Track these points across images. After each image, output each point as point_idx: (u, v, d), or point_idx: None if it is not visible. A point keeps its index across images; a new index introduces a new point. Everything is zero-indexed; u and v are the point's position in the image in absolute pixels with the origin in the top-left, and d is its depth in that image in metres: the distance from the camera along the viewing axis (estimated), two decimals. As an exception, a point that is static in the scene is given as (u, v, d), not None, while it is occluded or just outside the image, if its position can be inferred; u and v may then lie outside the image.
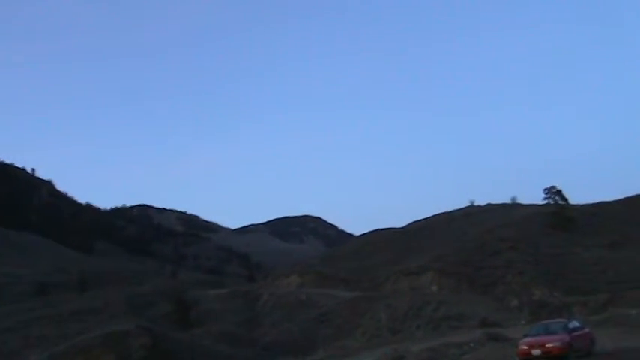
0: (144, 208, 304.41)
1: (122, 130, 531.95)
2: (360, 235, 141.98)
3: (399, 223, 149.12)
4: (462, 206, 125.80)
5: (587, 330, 23.78)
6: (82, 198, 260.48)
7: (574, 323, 24.01)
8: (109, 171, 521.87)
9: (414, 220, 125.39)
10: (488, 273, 78.67)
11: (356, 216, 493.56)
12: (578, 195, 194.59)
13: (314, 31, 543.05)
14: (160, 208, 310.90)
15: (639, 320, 35.01)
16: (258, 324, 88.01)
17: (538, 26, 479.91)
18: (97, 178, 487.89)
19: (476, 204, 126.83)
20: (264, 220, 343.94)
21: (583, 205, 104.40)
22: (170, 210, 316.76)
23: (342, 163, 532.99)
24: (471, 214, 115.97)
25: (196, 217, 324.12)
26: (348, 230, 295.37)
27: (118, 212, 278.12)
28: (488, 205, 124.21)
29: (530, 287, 73.07)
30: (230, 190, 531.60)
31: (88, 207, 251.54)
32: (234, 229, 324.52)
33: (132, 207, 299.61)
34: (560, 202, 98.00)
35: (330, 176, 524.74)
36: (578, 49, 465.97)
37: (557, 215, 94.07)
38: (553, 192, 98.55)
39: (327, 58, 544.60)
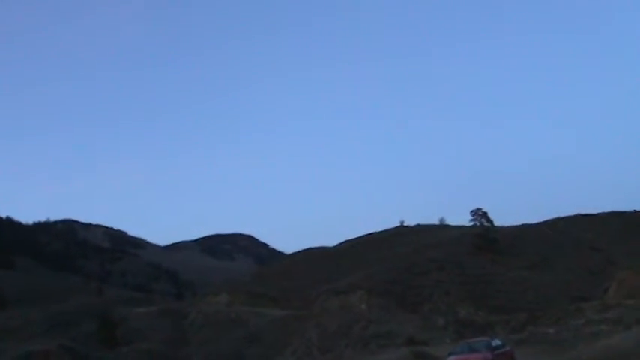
0: (69, 223, 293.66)
1: (45, 141, 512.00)
2: (292, 254, 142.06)
3: (331, 242, 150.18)
4: (393, 226, 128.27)
5: (508, 348, 24.74)
6: (1, 212, 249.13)
7: (496, 342, 24.94)
8: (31, 184, 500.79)
9: (345, 239, 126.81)
10: (416, 292, 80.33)
11: (288, 234, 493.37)
12: (504, 217, 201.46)
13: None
14: (85, 223, 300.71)
15: (557, 339, 36.61)
16: (187, 343, 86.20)
17: (474, 41, 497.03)
18: (18, 191, 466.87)
19: (406, 224, 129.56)
20: (195, 237, 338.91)
21: (507, 227, 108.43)
22: (96, 225, 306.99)
23: (275, 181, 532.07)
24: (401, 234, 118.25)
25: (124, 232, 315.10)
26: (280, 248, 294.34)
27: (42, 227, 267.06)
28: (417, 225, 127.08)
29: (455, 306, 75.11)
30: (160, 205, 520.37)
31: (9, 221, 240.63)
32: (164, 246, 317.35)
33: (56, 222, 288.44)
34: (486, 224, 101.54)
35: (262, 194, 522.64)
36: (501, 74, 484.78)
37: (483, 237, 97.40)
38: (479, 214, 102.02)
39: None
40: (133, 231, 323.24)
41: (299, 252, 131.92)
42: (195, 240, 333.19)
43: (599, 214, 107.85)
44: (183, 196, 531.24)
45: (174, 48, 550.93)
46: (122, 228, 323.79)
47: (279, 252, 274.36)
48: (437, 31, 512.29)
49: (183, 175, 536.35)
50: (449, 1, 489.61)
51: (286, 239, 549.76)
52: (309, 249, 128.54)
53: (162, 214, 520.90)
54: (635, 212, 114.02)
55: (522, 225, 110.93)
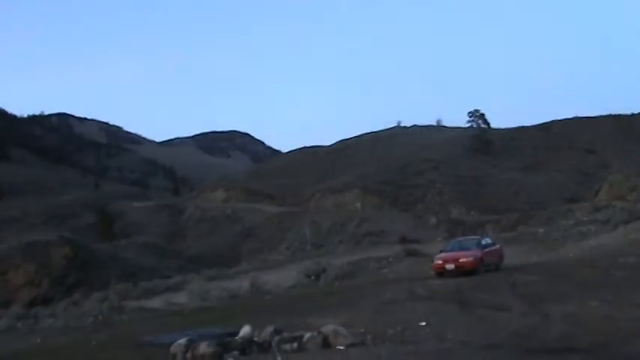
0: (64, 117, 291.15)
1: (41, 33, 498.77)
2: (288, 152, 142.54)
3: (327, 141, 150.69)
4: (390, 126, 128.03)
5: (497, 246, 25.20)
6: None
7: (486, 240, 25.38)
8: (25, 76, 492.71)
9: (342, 138, 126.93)
10: (410, 192, 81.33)
11: (284, 133, 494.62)
12: (500, 119, 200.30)
13: None
14: (81, 118, 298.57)
15: (545, 238, 37.39)
16: (183, 237, 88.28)
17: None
18: (12, 83, 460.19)
19: (403, 124, 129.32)
20: (191, 134, 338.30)
21: (503, 129, 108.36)
22: (92, 120, 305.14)
23: (272, 80, 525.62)
24: (397, 134, 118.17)
25: (119, 128, 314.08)
26: (276, 147, 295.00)
27: (36, 120, 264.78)
28: (414, 126, 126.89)
29: (448, 206, 76.37)
30: (156, 102, 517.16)
31: (2, 113, 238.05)
32: (160, 142, 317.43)
33: (51, 115, 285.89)
34: (483, 126, 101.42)
35: (259, 92, 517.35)
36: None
37: (478, 138, 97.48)
38: (476, 115, 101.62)
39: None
40: (129, 126, 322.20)
41: (295, 150, 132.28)
42: (192, 137, 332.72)
43: (595, 117, 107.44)
44: (179, 93, 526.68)
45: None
46: (118, 123, 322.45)
47: (276, 150, 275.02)
48: None
49: (180, 72, 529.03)
50: None
51: (283, 138, 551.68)
52: (306, 148, 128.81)
53: (159, 110, 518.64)
54: (632, 115, 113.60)
55: (518, 127, 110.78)
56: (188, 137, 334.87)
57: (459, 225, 62.57)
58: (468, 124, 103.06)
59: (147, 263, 62.87)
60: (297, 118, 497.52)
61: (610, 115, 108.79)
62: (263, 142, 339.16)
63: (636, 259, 18.41)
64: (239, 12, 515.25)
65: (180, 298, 26.97)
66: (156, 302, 27.42)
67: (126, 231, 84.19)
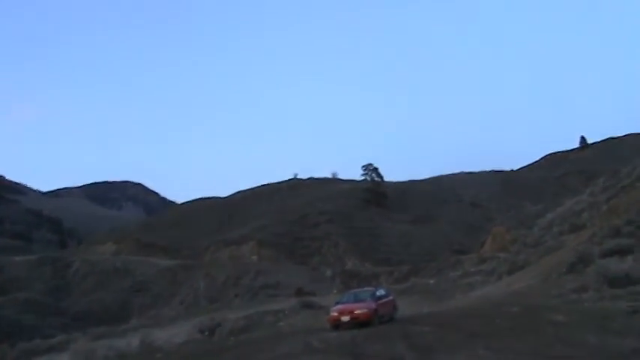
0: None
1: None
2: (183, 203, 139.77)
3: (224, 192, 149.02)
4: (286, 179, 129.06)
5: (391, 298, 25.69)
6: None
7: (380, 292, 25.83)
8: None
9: (238, 190, 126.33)
10: (306, 244, 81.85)
11: (180, 183, 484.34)
12: (393, 172, 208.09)
13: None
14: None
15: (436, 289, 38.64)
16: (69, 293, 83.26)
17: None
18: None
19: (299, 177, 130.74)
20: (81, 184, 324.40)
21: (395, 183, 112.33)
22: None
23: (167, 128, 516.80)
24: (294, 186, 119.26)
25: (1, 177, 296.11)
26: (171, 198, 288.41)
27: None
28: (310, 178, 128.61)
29: (343, 258, 77.44)
30: (42, 149, 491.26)
31: None
32: (46, 192, 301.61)
33: None
34: (376, 179, 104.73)
35: (154, 141, 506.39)
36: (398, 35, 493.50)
37: (372, 191, 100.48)
38: (370, 169, 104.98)
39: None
40: (12, 175, 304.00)
41: (191, 202, 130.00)
42: (81, 187, 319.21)
43: (479, 172, 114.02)
44: (67, 141, 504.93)
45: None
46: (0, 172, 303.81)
47: (171, 201, 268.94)
48: None
49: (69, 119, 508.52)
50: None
51: (178, 188, 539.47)
52: (201, 199, 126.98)
53: (45, 158, 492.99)
54: (512, 171, 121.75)
55: (410, 181, 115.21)
56: (77, 187, 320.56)
57: (354, 276, 63.41)
58: (362, 178, 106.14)
59: (27, 322, 58.65)
60: (193, 168, 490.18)
61: (493, 171, 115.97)
62: (157, 193, 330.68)
63: (518, 309, 19.35)
64: (130, 60, 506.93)
65: (63, 359, 25.22)
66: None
67: (5, 287, 78.30)
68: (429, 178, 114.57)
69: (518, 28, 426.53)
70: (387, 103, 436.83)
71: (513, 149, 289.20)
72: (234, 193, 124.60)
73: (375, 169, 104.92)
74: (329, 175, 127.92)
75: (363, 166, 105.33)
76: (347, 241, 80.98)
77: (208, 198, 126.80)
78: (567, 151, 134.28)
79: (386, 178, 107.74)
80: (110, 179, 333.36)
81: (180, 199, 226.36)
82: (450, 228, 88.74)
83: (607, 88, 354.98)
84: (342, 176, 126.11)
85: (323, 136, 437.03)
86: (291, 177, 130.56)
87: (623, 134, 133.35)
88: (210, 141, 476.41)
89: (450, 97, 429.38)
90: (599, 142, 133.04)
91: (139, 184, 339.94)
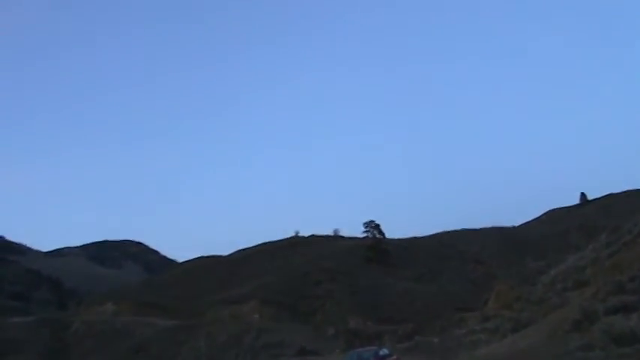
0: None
1: None
2: (184, 262, 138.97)
3: (225, 251, 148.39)
4: (287, 236, 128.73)
5: (395, 357, 25.52)
6: None
7: (384, 351, 25.72)
8: None
9: (239, 248, 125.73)
10: (308, 303, 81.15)
11: (180, 242, 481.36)
12: (395, 229, 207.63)
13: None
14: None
15: (441, 347, 38.21)
16: (67, 355, 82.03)
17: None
18: None
19: (300, 234, 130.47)
20: (81, 243, 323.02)
21: (398, 239, 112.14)
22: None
23: (168, 187, 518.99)
24: (295, 244, 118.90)
25: (1, 237, 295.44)
26: (172, 256, 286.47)
27: None
28: (312, 236, 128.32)
29: (346, 316, 76.61)
30: (42, 210, 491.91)
31: None
32: (46, 252, 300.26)
33: None
34: (378, 236, 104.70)
35: (154, 200, 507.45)
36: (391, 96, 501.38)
37: (374, 248, 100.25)
38: (372, 226, 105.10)
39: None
40: (12, 236, 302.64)
41: (191, 260, 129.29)
42: (81, 246, 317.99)
43: (481, 229, 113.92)
44: (68, 201, 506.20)
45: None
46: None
47: (171, 260, 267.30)
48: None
49: (70, 179, 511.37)
50: None
51: (179, 247, 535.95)
52: (202, 257, 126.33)
53: (45, 218, 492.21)
54: (514, 227, 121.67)
55: (412, 237, 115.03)
56: (77, 247, 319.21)
57: (357, 335, 62.67)
58: (364, 234, 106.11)
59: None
60: (194, 226, 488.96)
61: (494, 228, 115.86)
62: (157, 252, 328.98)
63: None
64: (125, 119, 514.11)
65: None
66: None
67: (2, 350, 77.21)
68: (431, 235, 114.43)
69: (518, 85, 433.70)
70: (389, 160, 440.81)
71: (514, 205, 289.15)
72: (236, 252, 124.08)
73: (377, 226, 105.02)
74: (331, 233, 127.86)
75: (365, 223, 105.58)
76: (349, 299, 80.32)
77: (209, 256, 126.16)
78: (568, 207, 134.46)
79: (388, 235, 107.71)
80: (110, 238, 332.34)
81: (181, 257, 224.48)
82: (452, 285, 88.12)
83: (606, 145, 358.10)
84: (343, 233, 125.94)
85: (324, 193, 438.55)
86: (292, 234, 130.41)
87: (623, 190, 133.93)
88: (211, 198, 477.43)
89: (450, 154, 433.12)
90: (599, 198, 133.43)
91: (140, 242, 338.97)
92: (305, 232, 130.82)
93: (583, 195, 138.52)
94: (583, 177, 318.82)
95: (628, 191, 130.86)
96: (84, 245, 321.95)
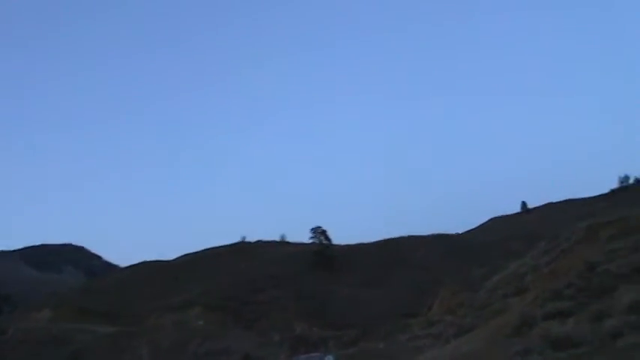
0: None
1: None
2: (126, 267, 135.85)
3: (169, 255, 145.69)
4: (234, 242, 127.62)
5: (339, 363, 25.49)
6: None
7: (329, 357, 25.67)
8: None
9: (185, 253, 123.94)
10: (253, 309, 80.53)
11: (123, 247, 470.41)
12: (341, 235, 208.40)
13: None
14: None
15: (385, 353, 38.49)
16: (0, 363, 78.86)
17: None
18: None
19: (247, 240, 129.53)
20: (17, 247, 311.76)
21: (344, 245, 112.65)
22: None
23: (111, 190, 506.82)
24: (241, 250, 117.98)
25: None
26: (115, 261, 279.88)
27: None
28: (258, 241, 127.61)
29: (291, 322, 76.36)
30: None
31: None
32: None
33: None
34: (325, 242, 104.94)
35: (96, 203, 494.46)
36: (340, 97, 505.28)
37: (321, 254, 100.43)
38: (318, 232, 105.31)
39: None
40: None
41: (135, 265, 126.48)
42: (18, 250, 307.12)
43: (426, 236, 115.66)
44: (4, 203, 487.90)
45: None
46: None
47: (114, 265, 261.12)
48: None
49: (5, 179, 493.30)
50: None
51: (122, 252, 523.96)
52: (146, 262, 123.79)
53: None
54: (457, 235, 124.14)
55: (358, 244, 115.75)
56: (13, 250, 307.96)
57: (303, 341, 62.56)
58: (311, 240, 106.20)
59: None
60: (138, 231, 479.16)
61: (440, 234, 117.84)
62: (100, 257, 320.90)
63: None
64: (65, 119, 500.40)
65: None
66: None
67: None
68: (377, 241, 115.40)
69: (465, 96, 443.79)
70: (336, 166, 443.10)
71: (459, 213, 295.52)
72: (180, 257, 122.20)
73: (324, 232, 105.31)
74: (277, 238, 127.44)
75: (312, 229, 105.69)
76: (295, 305, 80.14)
77: (153, 261, 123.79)
78: (510, 215, 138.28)
79: (334, 241, 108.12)
80: (50, 242, 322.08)
81: (124, 262, 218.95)
82: (398, 291, 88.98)
83: (547, 156, 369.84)
84: (290, 239, 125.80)
85: (271, 198, 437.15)
86: (238, 240, 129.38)
87: (561, 200, 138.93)
88: (157, 203, 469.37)
89: (397, 162, 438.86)
90: (539, 207, 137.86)
91: (81, 247, 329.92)
92: (252, 238, 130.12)
93: (524, 204, 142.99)
94: (524, 186, 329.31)
95: (566, 200, 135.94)
96: (21, 249, 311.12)
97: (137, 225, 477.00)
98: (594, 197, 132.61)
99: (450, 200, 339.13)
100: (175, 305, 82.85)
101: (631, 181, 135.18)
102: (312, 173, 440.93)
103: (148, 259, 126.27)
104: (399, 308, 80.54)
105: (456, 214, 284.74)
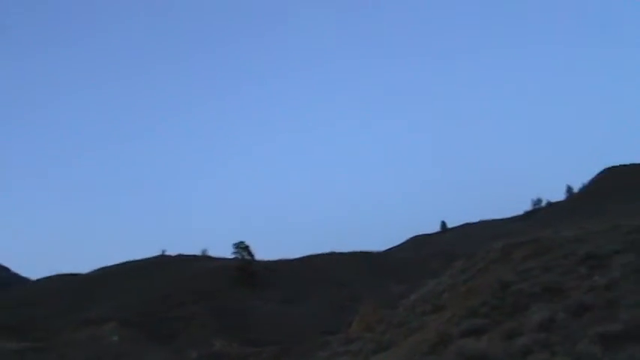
0: None
1: None
2: (38, 280, 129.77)
3: (84, 268, 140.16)
4: (153, 255, 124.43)
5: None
6: None
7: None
8: None
9: (101, 266, 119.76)
10: (171, 324, 78.61)
11: (35, 259, 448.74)
12: (265, 251, 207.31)
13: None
14: None
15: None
16: None
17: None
18: None
19: (167, 253, 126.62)
20: None
21: (266, 261, 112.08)
22: None
23: (21, 199, 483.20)
24: (160, 263, 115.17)
25: None
26: (25, 274, 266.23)
27: None
28: (179, 255, 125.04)
29: (210, 339, 75.02)
30: None
31: None
32: None
33: None
34: (247, 257, 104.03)
35: (6, 212, 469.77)
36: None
37: (242, 270, 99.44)
38: (241, 247, 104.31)
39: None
40: None
41: (47, 278, 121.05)
42: None
43: (348, 253, 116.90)
44: None
45: None
46: None
47: (24, 278, 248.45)
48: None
49: None
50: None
51: (33, 264, 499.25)
52: (59, 275, 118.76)
53: None
54: (379, 252, 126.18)
55: (280, 260, 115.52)
56: None
57: (221, 358, 61.62)
58: (234, 255, 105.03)
59: None
60: (50, 243, 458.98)
61: (361, 252, 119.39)
62: (8, 268, 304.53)
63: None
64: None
65: None
66: None
67: None
68: (300, 258, 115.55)
69: (390, 112, 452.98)
70: (259, 181, 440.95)
71: (381, 231, 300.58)
72: (96, 270, 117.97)
73: (247, 247, 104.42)
74: (199, 253, 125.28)
75: (235, 244, 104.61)
76: (214, 321, 78.81)
77: (66, 274, 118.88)
78: (430, 235, 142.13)
79: (257, 257, 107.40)
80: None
81: (35, 275, 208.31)
82: (319, 308, 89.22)
83: (464, 177, 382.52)
84: (212, 254, 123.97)
85: (193, 212, 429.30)
86: (158, 253, 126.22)
87: (479, 220, 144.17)
88: (71, 214, 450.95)
89: (320, 177, 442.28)
90: (457, 226, 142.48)
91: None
92: (172, 252, 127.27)
93: (443, 223, 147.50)
94: (443, 206, 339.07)
95: (483, 221, 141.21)
96: None
97: (50, 236, 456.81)
98: (509, 218, 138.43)
99: (373, 219, 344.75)
100: (89, 320, 79.75)
101: (543, 203, 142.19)
102: (235, 187, 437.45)
103: (62, 272, 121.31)
104: (320, 325, 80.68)
105: (378, 232, 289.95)
